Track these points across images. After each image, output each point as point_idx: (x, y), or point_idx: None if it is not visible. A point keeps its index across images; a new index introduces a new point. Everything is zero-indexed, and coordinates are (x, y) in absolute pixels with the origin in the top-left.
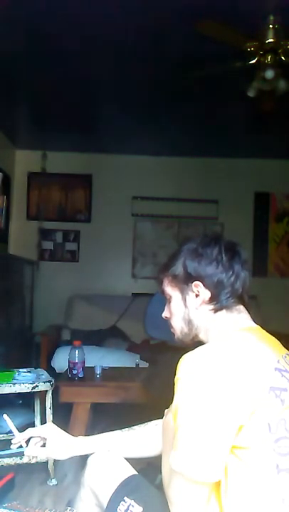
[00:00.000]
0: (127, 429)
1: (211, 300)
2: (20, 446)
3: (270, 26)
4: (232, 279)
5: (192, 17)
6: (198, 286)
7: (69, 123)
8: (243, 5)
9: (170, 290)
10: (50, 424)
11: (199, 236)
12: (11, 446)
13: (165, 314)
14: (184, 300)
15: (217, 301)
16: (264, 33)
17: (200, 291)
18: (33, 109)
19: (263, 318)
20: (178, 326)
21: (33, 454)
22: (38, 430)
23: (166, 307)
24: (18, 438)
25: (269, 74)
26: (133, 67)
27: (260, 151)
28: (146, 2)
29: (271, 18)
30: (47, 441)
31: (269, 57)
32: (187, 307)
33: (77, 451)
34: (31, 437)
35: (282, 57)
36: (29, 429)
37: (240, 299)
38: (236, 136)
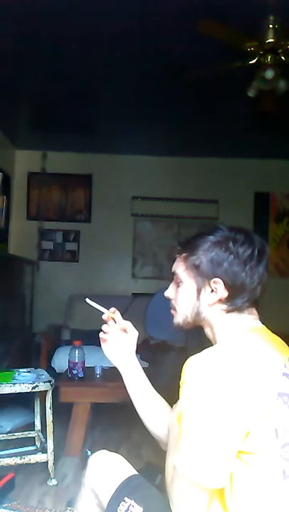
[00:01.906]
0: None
1: (227, 301)
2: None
3: (270, 26)
4: (254, 284)
5: (192, 17)
6: (217, 283)
7: (69, 123)
8: (243, 5)
9: (184, 277)
10: (136, 332)
11: (226, 226)
12: (103, 316)
13: (168, 294)
14: (198, 293)
15: (232, 303)
16: (264, 33)
17: (218, 289)
18: (33, 109)
19: (263, 319)
20: (182, 314)
21: (105, 335)
22: (126, 323)
23: (171, 287)
24: (107, 312)
25: (269, 74)
26: (133, 67)
27: (260, 151)
28: (146, 2)
29: (271, 18)
30: (116, 336)
31: (269, 57)
32: (199, 300)
33: (125, 369)
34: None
35: (282, 57)
36: (120, 319)
37: (255, 302)
38: (236, 136)
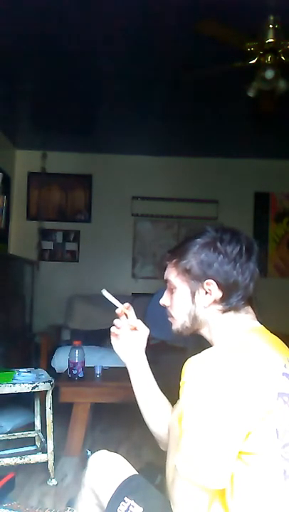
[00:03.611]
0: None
1: (222, 300)
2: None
3: (270, 26)
4: (247, 281)
5: (192, 17)
6: (210, 284)
7: (69, 123)
8: (243, 5)
9: (177, 282)
10: (146, 330)
11: (213, 228)
12: (116, 311)
13: (164, 302)
14: (193, 296)
15: (227, 303)
16: (264, 33)
17: (212, 290)
18: (33, 109)
19: (263, 319)
20: (180, 320)
21: (116, 330)
22: (136, 321)
23: (166, 294)
24: (121, 307)
25: (269, 74)
26: (133, 67)
27: (260, 151)
28: (146, 2)
29: (271, 18)
30: (127, 332)
31: (269, 57)
32: (195, 303)
33: (133, 365)
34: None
35: (282, 57)
36: (133, 315)
37: (249, 300)
38: (236, 136)
